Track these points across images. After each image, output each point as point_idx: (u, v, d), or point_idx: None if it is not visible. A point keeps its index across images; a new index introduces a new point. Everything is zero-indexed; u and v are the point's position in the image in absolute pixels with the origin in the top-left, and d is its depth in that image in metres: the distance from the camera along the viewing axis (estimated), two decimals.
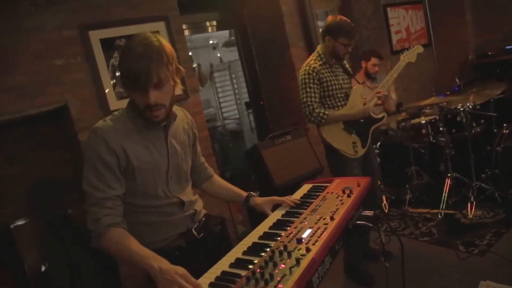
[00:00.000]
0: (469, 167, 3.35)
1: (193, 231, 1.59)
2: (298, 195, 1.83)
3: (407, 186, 3.65)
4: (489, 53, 4.66)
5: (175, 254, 1.52)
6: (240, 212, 3.88)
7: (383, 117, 2.82)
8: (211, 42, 6.44)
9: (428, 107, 3.86)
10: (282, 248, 1.27)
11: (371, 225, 1.52)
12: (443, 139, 3.46)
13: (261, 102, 4.60)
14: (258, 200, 1.78)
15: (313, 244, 1.26)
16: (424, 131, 3.71)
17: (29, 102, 2.86)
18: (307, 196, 1.80)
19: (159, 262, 1.21)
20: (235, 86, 5.66)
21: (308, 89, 2.63)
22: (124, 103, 3.17)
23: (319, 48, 2.73)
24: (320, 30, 2.88)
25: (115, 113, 1.49)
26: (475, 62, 4.86)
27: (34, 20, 2.90)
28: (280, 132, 3.67)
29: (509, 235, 2.93)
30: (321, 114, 2.62)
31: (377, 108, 2.84)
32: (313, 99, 2.62)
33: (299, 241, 1.30)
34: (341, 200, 1.59)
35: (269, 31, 4.22)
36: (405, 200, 3.61)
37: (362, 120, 2.73)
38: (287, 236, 1.37)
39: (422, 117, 3.75)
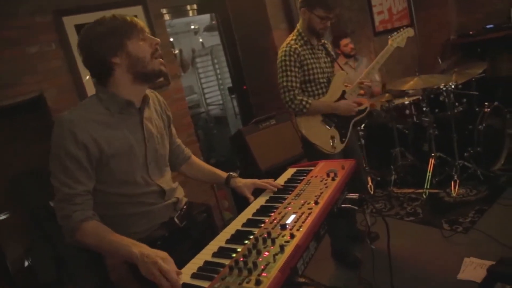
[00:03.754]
0: (452, 146, 3.38)
1: (175, 220, 1.55)
2: (282, 179, 1.81)
3: (391, 167, 3.66)
4: (470, 33, 4.66)
5: (158, 244, 1.48)
6: (226, 198, 3.86)
7: (365, 109, 2.66)
8: (192, 27, 6.31)
9: (413, 90, 3.86)
10: (266, 235, 1.25)
11: (356, 207, 1.50)
12: (426, 119, 3.47)
13: (244, 87, 4.54)
14: (239, 182, 1.74)
15: (298, 230, 1.24)
16: (407, 111, 3.71)
17: (3, 92, 2.76)
18: (291, 180, 1.77)
19: (140, 248, 1.20)
20: (218, 71, 5.57)
21: (288, 72, 2.41)
22: None
23: (298, 25, 2.52)
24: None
25: (83, 102, 1.43)
26: (456, 42, 4.86)
27: (6, 5, 2.77)
28: (264, 116, 3.64)
29: (491, 212, 2.98)
30: (303, 103, 2.42)
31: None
32: (294, 84, 2.42)
33: (283, 227, 1.28)
34: (325, 184, 1.57)
35: (251, 14, 4.14)
36: (390, 181, 3.63)
37: None
38: (271, 223, 1.35)
39: (406, 98, 3.75)
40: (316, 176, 1.69)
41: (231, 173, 1.78)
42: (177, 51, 6.51)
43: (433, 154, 3.45)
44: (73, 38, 2.99)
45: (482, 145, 3.35)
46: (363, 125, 3.68)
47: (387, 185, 3.64)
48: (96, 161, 1.35)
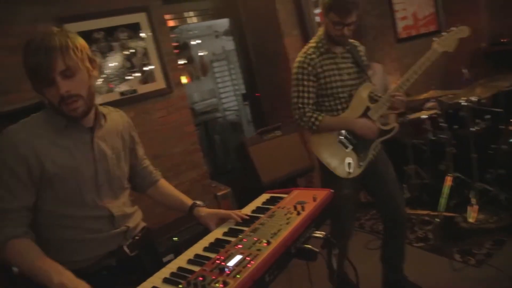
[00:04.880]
0: (472, 166, 3.08)
1: (125, 249, 1.44)
2: (250, 207, 1.66)
3: (404, 185, 3.40)
4: (503, 41, 4.27)
5: (103, 273, 1.39)
6: (230, 209, 3.74)
7: (392, 129, 2.23)
8: (215, 30, 6.26)
9: (432, 100, 3.58)
10: (201, 278, 1.12)
11: (317, 250, 1.33)
12: (444, 136, 3.20)
13: (257, 94, 4.41)
14: (202, 211, 1.62)
15: (235, 277, 1.10)
16: (424, 126, 3.43)
17: (3, 98, 2.79)
18: (259, 209, 1.62)
19: (60, 276, 1.14)
20: (233, 76, 5.47)
21: (301, 87, 2.16)
22: (103, 98, 3.07)
23: (321, 30, 2.22)
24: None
25: (33, 115, 1.35)
26: (487, 51, 4.47)
27: (7, 13, 2.80)
28: (269, 127, 3.50)
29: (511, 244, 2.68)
30: (312, 120, 2.15)
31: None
32: (305, 100, 2.16)
33: (222, 271, 1.14)
34: (288, 219, 1.41)
35: (263, 19, 4.00)
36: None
37: None
38: (213, 263, 1.21)
39: (423, 112, 3.48)
40: (283, 208, 1.53)
41: (195, 202, 1.66)
42: (202, 54, 6.49)
43: (450, 174, 3.17)
44: None
45: (505, 166, 3.04)
46: None
47: None
48: (37, 177, 1.28)
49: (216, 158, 5.50)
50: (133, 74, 3.20)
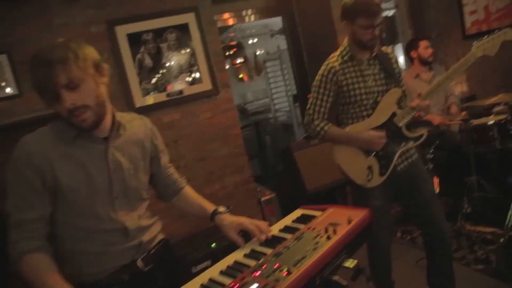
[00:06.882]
0: None
1: (138, 263, 1.39)
2: (279, 225, 1.54)
3: (465, 198, 3.08)
4: None
5: None
6: (274, 215, 3.64)
7: (420, 136, 2.10)
8: (271, 29, 6.17)
9: (502, 104, 3.20)
10: None
11: (345, 284, 1.19)
12: None
13: (309, 95, 4.24)
14: (224, 220, 1.51)
15: None
16: (491, 134, 3.08)
17: None
18: (288, 229, 1.50)
19: None
20: (286, 76, 5.33)
21: (315, 94, 2.19)
22: (149, 99, 3.10)
23: (345, 40, 2.18)
24: None
25: (50, 123, 1.34)
26: None
27: (64, 17, 2.93)
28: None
29: None
30: (318, 129, 2.17)
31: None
32: (317, 108, 2.18)
33: None
34: (316, 243, 1.28)
35: (317, 17, 3.83)
36: (463, 214, 3.05)
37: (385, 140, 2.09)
38: None
39: (490, 117, 3.12)
40: (313, 229, 1.40)
41: (217, 208, 1.55)
42: (259, 52, 6.45)
43: None
44: (125, 47, 3.04)
45: None
46: (433, 146, 3.14)
47: (460, 219, 3.07)
48: (52, 187, 1.27)
49: (266, 160, 5.43)
50: (181, 75, 3.20)
